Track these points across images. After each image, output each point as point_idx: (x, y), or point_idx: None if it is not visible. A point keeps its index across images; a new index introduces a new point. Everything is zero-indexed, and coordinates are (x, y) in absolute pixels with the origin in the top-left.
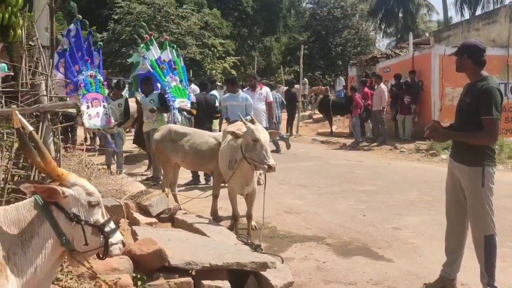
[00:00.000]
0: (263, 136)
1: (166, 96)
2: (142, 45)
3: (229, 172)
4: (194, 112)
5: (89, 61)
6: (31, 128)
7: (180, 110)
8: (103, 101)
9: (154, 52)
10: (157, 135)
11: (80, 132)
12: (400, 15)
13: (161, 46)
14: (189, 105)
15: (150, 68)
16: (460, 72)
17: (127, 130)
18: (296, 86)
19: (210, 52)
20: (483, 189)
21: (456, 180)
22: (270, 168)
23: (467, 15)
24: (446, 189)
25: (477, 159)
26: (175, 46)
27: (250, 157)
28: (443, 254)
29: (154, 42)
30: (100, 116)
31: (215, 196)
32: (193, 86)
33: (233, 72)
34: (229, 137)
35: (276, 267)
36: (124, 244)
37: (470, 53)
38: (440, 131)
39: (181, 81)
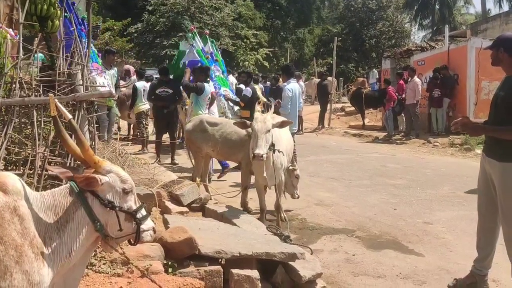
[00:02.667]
0: (258, 125)
1: (213, 83)
2: (190, 34)
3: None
4: (242, 104)
5: (83, 31)
6: (70, 116)
7: (226, 98)
8: (103, 72)
9: (199, 43)
10: (188, 126)
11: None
12: (437, 7)
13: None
14: (230, 95)
15: (197, 56)
16: (495, 66)
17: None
18: (329, 78)
19: (243, 44)
20: None
21: (488, 175)
22: (254, 157)
23: (506, 7)
24: (478, 184)
25: (509, 154)
26: (214, 41)
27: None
28: (475, 249)
29: (197, 35)
30: (108, 86)
31: (245, 187)
32: (230, 78)
33: (266, 63)
34: None
35: (305, 258)
36: (155, 231)
37: (506, 46)
38: (469, 125)
39: (222, 72)
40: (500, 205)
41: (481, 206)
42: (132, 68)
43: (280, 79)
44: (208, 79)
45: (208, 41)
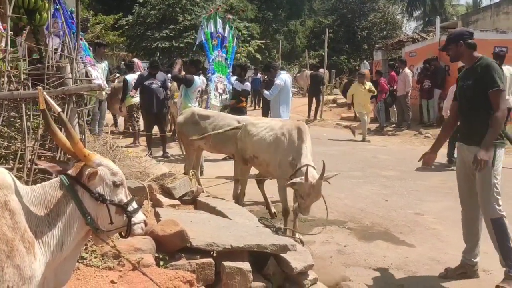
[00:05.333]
0: (310, 199)
1: (209, 65)
2: (204, 16)
3: (289, 169)
4: (244, 99)
5: (74, 24)
6: (59, 109)
7: (225, 105)
8: (95, 66)
9: (213, 26)
10: (180, 118)
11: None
12: None
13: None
14: (225, 82)
15: (202, 38)
16: (456, 61)
17: None
18: (321, 70)
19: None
20: (492, 169)
21: (467, 164)
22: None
23: None
24: (457, 176)
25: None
26: (233, 27)
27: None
28: None
29: (219, 17)
30: (100, 79)
31: (237, 180)
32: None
33: (258, 56)
34: (288, 131)
35: (297, 249)
36: (146, 224)
37: (464, 39)
38: (482, 160)
39: (226, 59)
40: (478, 186)
41: (462, 197)
42: (137, 61)
43: None
44: (200, 72)
45: (227, 26)
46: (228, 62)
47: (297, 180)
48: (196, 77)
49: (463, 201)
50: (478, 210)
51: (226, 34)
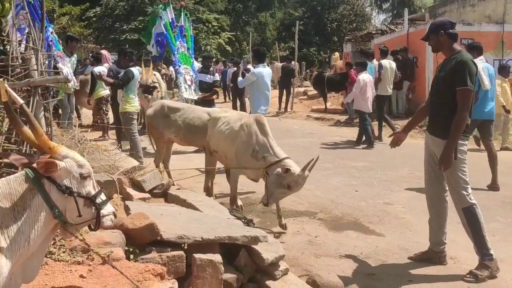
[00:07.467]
0: (297, 189)
1: (173, 59)
2: (160, 5)
3: (251, 160)
4: (219, 90)
5: (46, 17)
6: (21, 101)
7: (184, 80)
8: (64, 59)
9: (169, 14)
10: (150, 111)
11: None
12: None
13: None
14: (191, 73)
15: (163, 29)
16: (437, 51)
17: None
18: (292, 62)
19: (204, 28)
20: (455, 162)
21: (431, 152)
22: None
23: None
24: (424, 162)
25: (449, 132)
26: (188, 13)
27: (269, 186)
28: None
29: (170, 5)
30: (70, 75)
31: (208, 172)
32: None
33: (228, 48)
34: (246, 125)
35: (268, 241)
36: (115, 216)
37: (445, 29)
38: (448, 158)
39: (188, 48)
40: (446, 178)
41: (426, 183)
42: (105, 53)
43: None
44: (132, 63)
45: (182, 13)
46: (190, 52)
47: (292, 169)
48: (133, 69)
49: (426, 187)
50: (440, 195)
51: (183, 23)
